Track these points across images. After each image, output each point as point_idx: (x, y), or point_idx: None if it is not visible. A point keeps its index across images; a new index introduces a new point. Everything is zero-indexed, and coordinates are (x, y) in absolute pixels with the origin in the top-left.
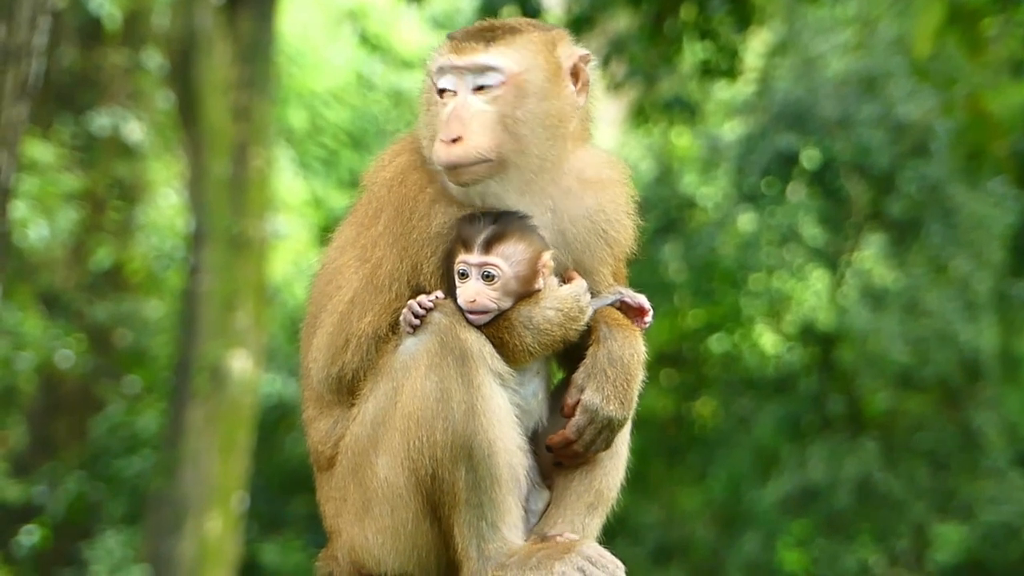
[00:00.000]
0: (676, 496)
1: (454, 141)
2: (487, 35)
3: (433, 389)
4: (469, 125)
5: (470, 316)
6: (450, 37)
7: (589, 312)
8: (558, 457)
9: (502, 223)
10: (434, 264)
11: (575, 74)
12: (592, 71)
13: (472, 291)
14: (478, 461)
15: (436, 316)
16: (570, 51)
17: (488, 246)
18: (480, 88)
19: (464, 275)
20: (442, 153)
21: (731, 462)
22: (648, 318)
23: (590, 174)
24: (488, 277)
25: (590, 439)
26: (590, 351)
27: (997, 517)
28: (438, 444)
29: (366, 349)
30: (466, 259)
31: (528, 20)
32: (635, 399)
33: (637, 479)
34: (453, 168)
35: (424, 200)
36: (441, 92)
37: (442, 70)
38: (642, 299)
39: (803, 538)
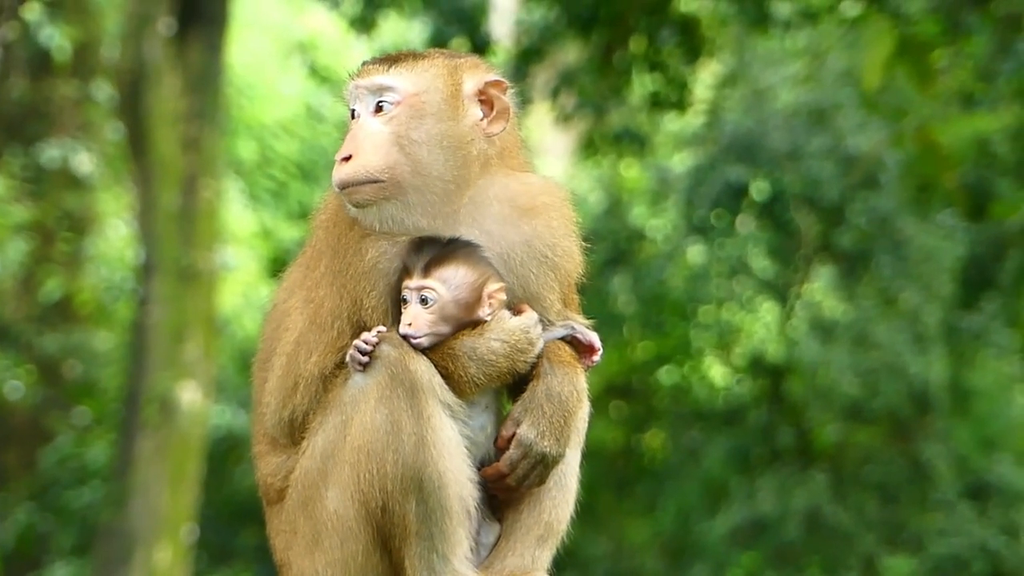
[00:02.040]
0: (625, 528)
1: (345, 160)
2: (392, 59)
3: (383, 421)
4: (361, 144)
5: (410, 341)
6: (362, 63)
7: (539, 345)
8: (491, 490)
9: (445, 248)
10: (375, 298)
11: (486, 100)
12: (509, 97)
13: (410, 315)
14: (428, 493)
15: (384, 349)
16: (477, 76)
17: (427, 270)
18: (379, 109)
19: (406, 301)
20: (334, 172)
21: (680, 494)
22: (596, 357)
23: (523, 201)
24: (424, 301)
25: (523, 474)
26: (530, 386)
27: (947, 549)
28: (388, 476)
29: (315, 390)
30: (407, 284)
31: (440, 49)
32: (573, 436)
33: (586, 511)
34: (343, 187)
35: (354, 237)
36: (352, 116)
37: (350, 93)
38: (593, 337)
39: (752, 570)
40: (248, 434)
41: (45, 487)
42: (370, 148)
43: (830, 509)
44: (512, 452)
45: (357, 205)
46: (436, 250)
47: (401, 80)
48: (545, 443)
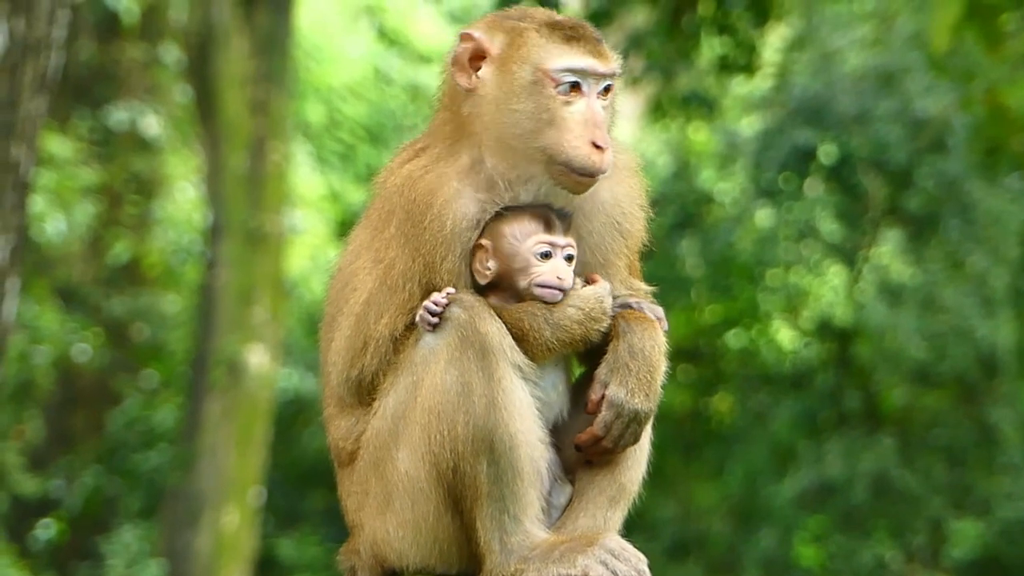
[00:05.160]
0: (693, 491)
1: (599, 148)
2: (601, 40)
3: (454, 382)
4: (607, 132)
5: (549, 292)
6: (576, 36)
7: (610, 314)
8: (588, 455)
9: (566, 213)
10: (452, 263)
11: None
12: None
13: (564, 270)
14: (500, 454)
15: (454, 311)
16: None
17: (567, 230)
18: (600, 93)
19: (547, 255)
20: (596, 160)
21: (748, 457)
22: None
23: None
24: (570, 258)
25: (618, 434)
26: (611, 346)
27: (1014, 513)
28: (459, 437)
29: (384, 351)
30: (553, 240)
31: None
32: (660, 390)
33: (654, 474)
34: (596, 176)
35: (437, 202)
36: (568, 90)
37: (573, 71)
38: (659, 312)
39: (820, 534)
40: (315, 397)
41: (113, 450)
42: (609, 138)
43: (897, 473)
44: (605, 414)
45: (583, 191)
46: (558, 211)
47: (618, 67)
48: (636, 400)
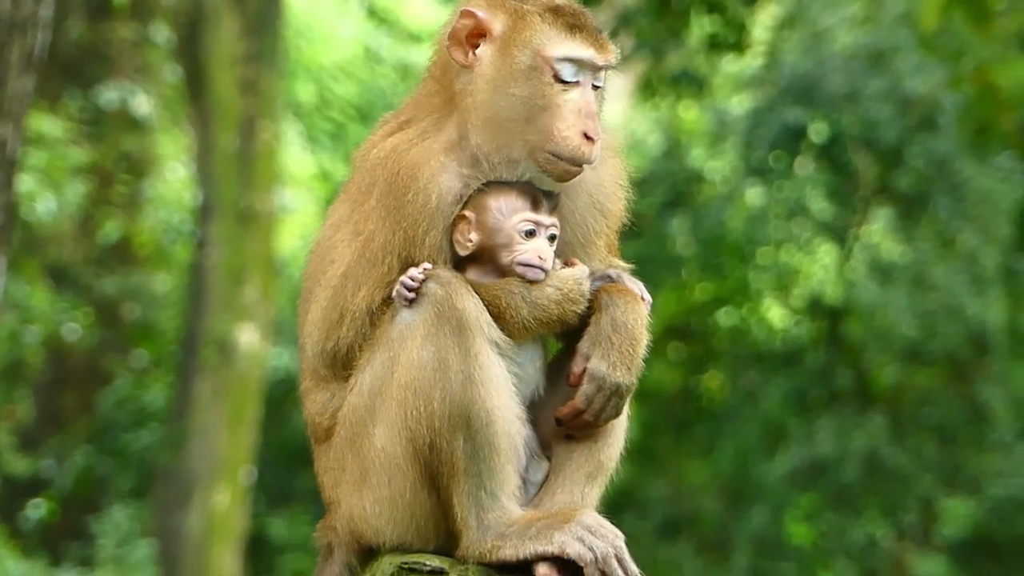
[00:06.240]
0: (683, 470)
1: (590, 139)
2: (600, 27)
3: (430, 358)
4: (598, 123)
5: (531, 271)
6: (578, 25)
7: (588, 297)
8: (569, 429)
9: (549, 192)
10: (435, 238)
11: None
12: None
13: (546, 249)
14: (476, 430)
15: (431, 287)
16: None
17: (553, 210)
18: (594, 86)
19: (532, 233)
20: (585, 151)
21: (739, 436)
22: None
23: None
24: (553, 238)
25: (599, 407)
26: (593, 319)
27: (1004, 491)
28: (435, 414)
29: (360, 323)
30: (538, 219)
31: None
32: (641, 364)
33: (644, 453)
34: (583, 166)
35: (422, 176)
36: (563, 80)
37: (573, 60)
38: (640, 285)
39: (811, 512)
40: None
41: (103, 429)
42: (601, 129)
43: (888, 451)
44: (586, 387)
45: (568, 180)
46: (543, 191)
47: (615, 58)
48: (618, 374)
